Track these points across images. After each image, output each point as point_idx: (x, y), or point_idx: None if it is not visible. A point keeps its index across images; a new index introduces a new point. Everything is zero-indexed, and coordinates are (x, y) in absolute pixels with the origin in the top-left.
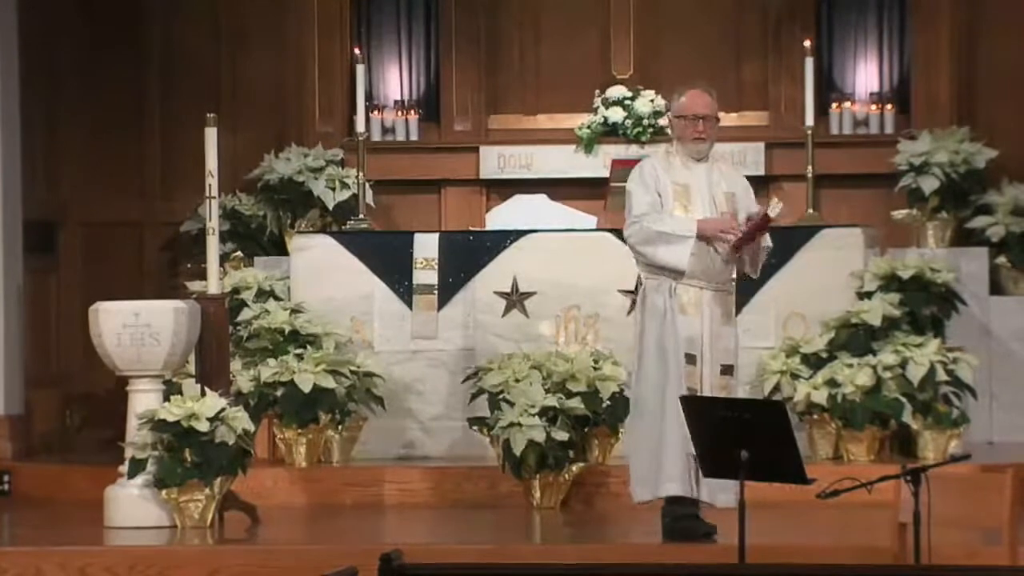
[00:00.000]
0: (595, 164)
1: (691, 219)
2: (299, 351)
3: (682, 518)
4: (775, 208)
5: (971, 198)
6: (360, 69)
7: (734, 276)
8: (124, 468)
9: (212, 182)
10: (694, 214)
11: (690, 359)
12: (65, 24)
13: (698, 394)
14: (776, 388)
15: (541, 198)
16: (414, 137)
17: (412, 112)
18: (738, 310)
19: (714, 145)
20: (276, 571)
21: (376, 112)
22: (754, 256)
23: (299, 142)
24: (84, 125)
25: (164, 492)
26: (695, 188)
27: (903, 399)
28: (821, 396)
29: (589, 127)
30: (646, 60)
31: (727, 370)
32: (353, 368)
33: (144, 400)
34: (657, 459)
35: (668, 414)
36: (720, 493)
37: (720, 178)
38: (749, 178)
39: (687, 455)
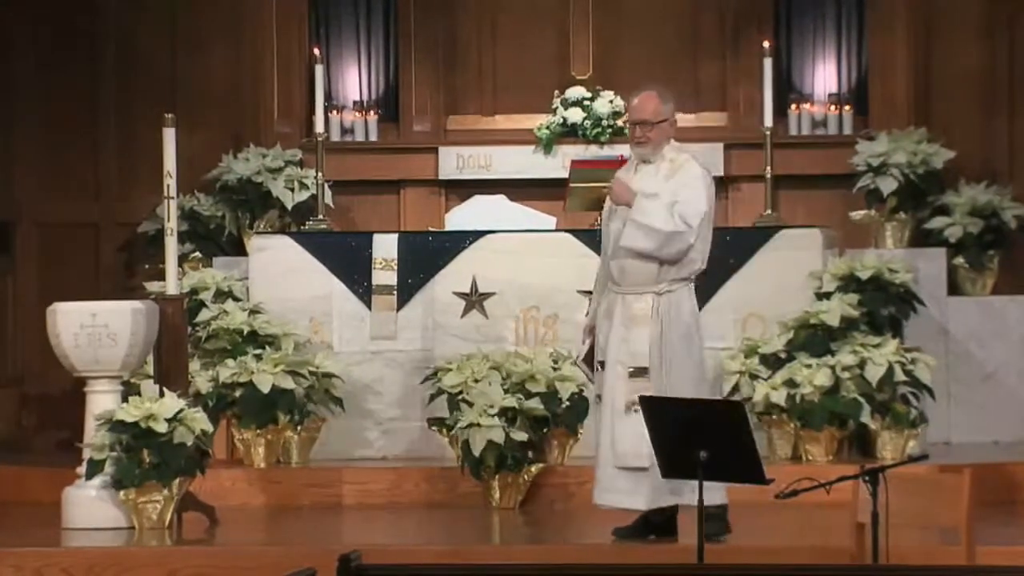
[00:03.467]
0: (554, 165)
1: (591, 313)
2: (258, 352)
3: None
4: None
5: (929, 199)
6: (319, 69)
7: (671, 277)
8: (82, 469)
9: (170, 182)
10: (612, 221)
11: (600, 365)
12: (20, 24)
13: (599, 400)
14: (735, 388)
15: (500, 199)
16: (373, 138)
17: (371, 112)
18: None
19: (664, 146)
20: (234, 572)
21: (335, 112)
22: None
23: (257, 142)
24: (40, 125)
25: (122, 493)
26: None
27: (861, 399)
28: (780, 396)
29: (548, 128)
30: (605, 61)
31: (638, 373)
32: (312, 369)
33: (102, 401)
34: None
35: (597, 423)
36: (598, 490)
37: (656, 180)
38: None
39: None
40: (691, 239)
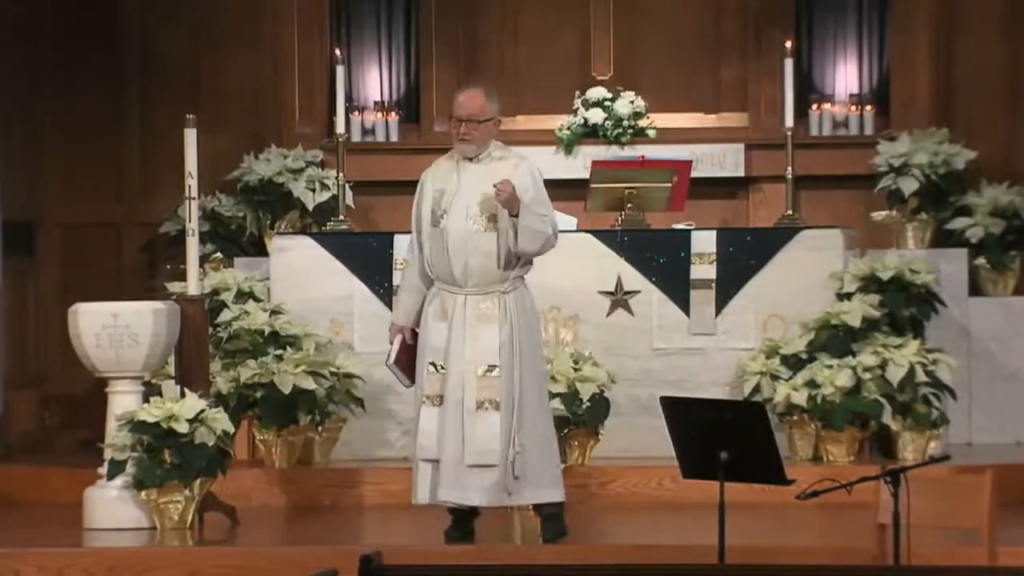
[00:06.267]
0: (575, 165)
1: (401, 313)
2: (279, 352)
3: (456, 521)
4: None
5: (950, 199)
6: (340, 70)
7: (514, 274)
8: (103, 469)
9: (192, 183)
10: (447, 221)
11: (435, 367)
12: (43, 25)
13: (440, 400)
14: (756, 389)
15: None
16: (394, 138)
17: (392, 113)
18: (718, 311)
19: (489, 144)
20: (255, 572)
21: (356, 113)
22: (518, 230)
23: (278, 143)
24: (62, 126)
25: (143, 493)
26: (450, 191)
27: (883, 400)
28: (801, 397)
29: (569, 128)
30: (625, 61)
31: (489, 371)
32: (333, 369)
33: (123, 401)
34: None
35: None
36: (444, 488)
37: (489, 178)
38: (729, 179)
39: (421, 462)
40: (555, 242)
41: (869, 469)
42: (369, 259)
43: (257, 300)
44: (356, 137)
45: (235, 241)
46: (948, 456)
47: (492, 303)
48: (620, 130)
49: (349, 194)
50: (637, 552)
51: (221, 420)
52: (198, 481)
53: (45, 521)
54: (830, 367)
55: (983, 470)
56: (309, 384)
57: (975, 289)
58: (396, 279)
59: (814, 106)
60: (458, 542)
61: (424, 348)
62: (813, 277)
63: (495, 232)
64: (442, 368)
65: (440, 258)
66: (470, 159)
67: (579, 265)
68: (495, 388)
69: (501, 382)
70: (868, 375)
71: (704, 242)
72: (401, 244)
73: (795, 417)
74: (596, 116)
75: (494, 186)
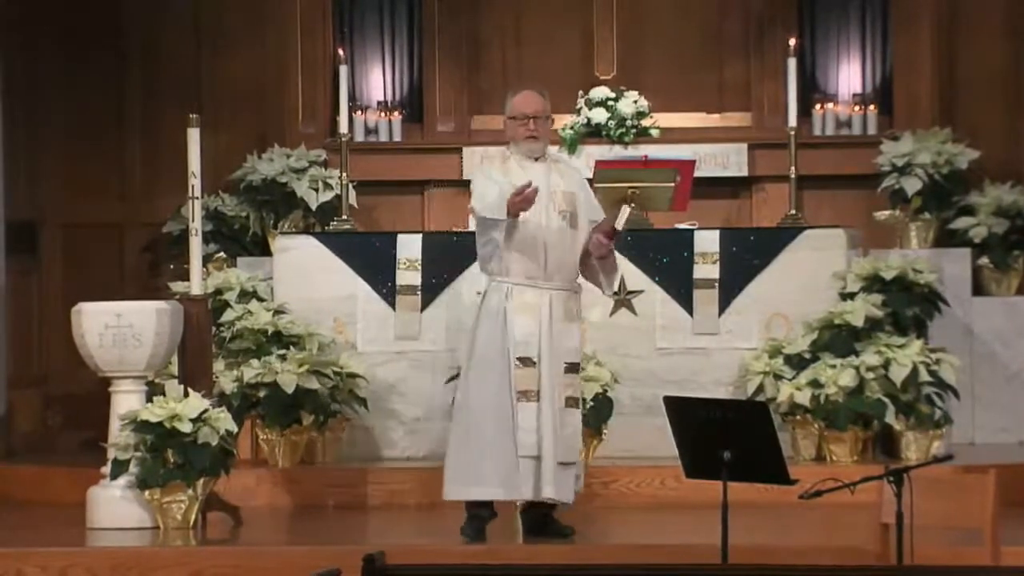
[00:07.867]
0: (578, 165)
1: (501, 203)
2: (282, 352)
3: (473, 519)
4: (622, 219)
5: (953, 199)
6: (343, 70)
7: (579, 278)
8: (106, 469)
9: (195, 183)
10: (538, 216)
11: (525, 362)
12: (46, 25)
13: (536, 396)
14: (759, 389)
15: None
16: (397, 138)
17: (395, 113)
18: (721, 311)
19: (548, 145)
20: (259, 572)
21: (359, 113)
22: (609, 273)
23: (282, 143)
24: (65, 126)
25: (147, 493)
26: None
27: (886, 400)
28: (804, 397)
29: (572, 128)
30: (629, 61)
31: (572, 368)
32: (336, 369)
33: (126, 401)
34: (475, 461)
35: (492, 416)
36: (547, 486)
37: (559, 178)
38: (732, 179)
39: (518, 458)
40: None
41: (872, 469)
42: (372, 259)
43: (260, 300)
44: (359, 137)
45: (238, 241)
46: (951, 456)
47: (575, 301)
48: (623, 130)
49: (352, 194)
50: (640, 552)
51: (224, 420)
52: (201, 481)
53: (48, 521)
54: (833, 367)
55: (986, 470)
56: (312, 384)
57: (978, 289)
58: (399, 279)
59: (817, 106)
60: (473, 541)
61: (512, 341)
62: (816, 277)
63: (576, 231)
64: (534, 363)
65: (528, 251)
66: (535, 159)
67: None
68: (576, 386)
69: (579, 380)
70: (871, 375)
71: (707, 242)
72: (404, 244)
73: (798, 417)
74: (599, 116)
75: (601, 242)
